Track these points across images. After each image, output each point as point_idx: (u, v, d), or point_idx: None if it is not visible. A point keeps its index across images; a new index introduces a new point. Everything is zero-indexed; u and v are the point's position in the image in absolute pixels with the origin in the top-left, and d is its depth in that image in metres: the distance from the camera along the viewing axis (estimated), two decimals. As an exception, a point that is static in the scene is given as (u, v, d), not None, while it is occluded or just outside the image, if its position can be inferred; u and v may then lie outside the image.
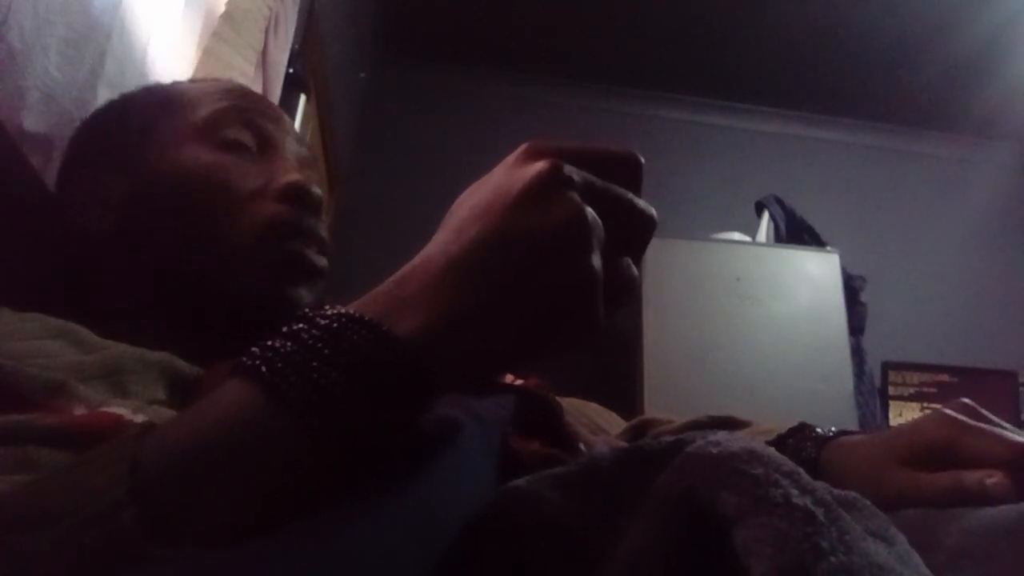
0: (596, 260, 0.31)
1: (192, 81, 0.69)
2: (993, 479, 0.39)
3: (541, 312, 0.31)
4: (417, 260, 0.33)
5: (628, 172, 0.35)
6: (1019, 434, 0.43)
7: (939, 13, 2.78)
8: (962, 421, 0.44)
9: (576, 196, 0.31)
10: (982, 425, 0.44)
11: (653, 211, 0.35)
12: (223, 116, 0.59)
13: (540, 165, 0.32)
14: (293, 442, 0.28)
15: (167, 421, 0.31)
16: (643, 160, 0.35)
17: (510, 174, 0.33)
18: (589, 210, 0.31)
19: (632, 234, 0.34)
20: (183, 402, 0.44)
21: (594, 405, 0.75)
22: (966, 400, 0.47)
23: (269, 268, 0.55)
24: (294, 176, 0.58)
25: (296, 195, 0.57)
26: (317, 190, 0.59)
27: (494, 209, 0.32)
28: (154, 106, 0.61)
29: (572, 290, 0.31)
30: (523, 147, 0.34)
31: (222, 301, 0.55)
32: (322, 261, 0.59)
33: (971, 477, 0.41)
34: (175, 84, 0.67)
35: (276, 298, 0.55)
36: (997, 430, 0.43)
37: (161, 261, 0.56)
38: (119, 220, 0.57)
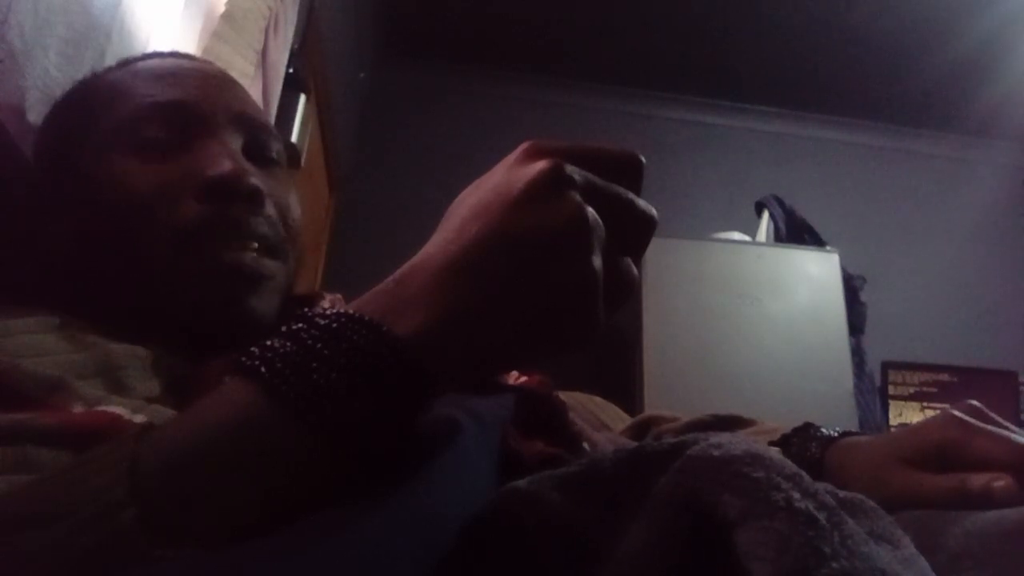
0: (596, 260, 0.31)
1: (130, 61, 0.61)
2: (1000, 482, 0.39)
3: (541, 312, 0.31)
4: (417, 259, 0.33)
5: (629, 172, 0.35)
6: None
7: (939, 13, 2.78)
8: (969, 423, 0.44)
9: (577, 196, 0.31)
10: (989, 427, 0.44)
11: (653, 211, 0.35)
12: (137, 113, 0.52)
13: (541, 164, 0.32)
14: (293, 443, 0.28)
15: (166, 421, 0.31)
16: (644, 160, 0.35)
17: (511, 173, 0.33)
18: (590, 210, 0.31)
19: (632, 234, 0.34)
20: (178, 398, 0.44)
21: (597, 399, 0.75)
22: (973, 402, 0.47)
23: (200, 280, 0.50)
24: (219, 168, 0.50)
25: (217, 189, 0.50)
26: (252, 180, 0.51)
27: (494, 208, 0.31)
28: (85, 109, 0.56)
29: (572, 290, 0.31)
30: (523, 146, 0.34)
31: (177, 318, 0.50)
32: (267, 266, 0.52)
33: (977, 480, 0.40)
34: (108, 74, 0.59)
35: (222, 311, 0.50)
36: (1004, 432, 0.43)
37: (115, 278, 0.52)
38: (72, 236, 0.54)
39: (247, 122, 0.56)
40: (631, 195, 0.34)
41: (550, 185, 0.31)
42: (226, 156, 0.52)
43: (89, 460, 0.27)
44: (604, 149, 0.34)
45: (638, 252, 0.35)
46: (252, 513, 0.27)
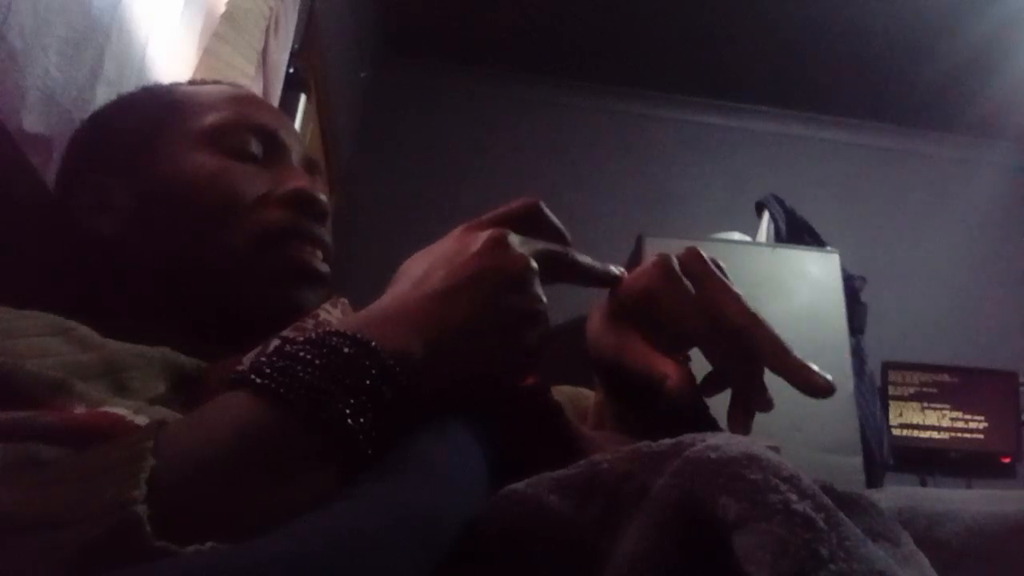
0: (540, 291, 0.39)
1: (194, 83, 0.69)
2: (670, 382, 0.42)
3: (508, 329, 0.37)
4: (378, 304, 0.38)
5: (534, 215, 0.44)
6: (730, 290, 0.44)
7: (939, 13, 2.79)
8: (673, 273, 0.45)
9: (520, 250, 0.39)
10: (685, 283, 0.44)
11: (585, 259, 0.45)
12: (230, 123, 0.59)
13: (489, 232, 0.39)
14: (292, 444, 0.29)
15: (172, 427, 0.32)
16: (541, 203, 0.44)
17: (460, 241, 0.40)
18: (531, 259, 0.39)
19: (565, 274, 0.44)
20: (187, 396, 0.45)
21: (585, 391, 0.74)
22: (694, 247, 0.46)
23: (271, 273, 0.56)
24: (300, 183, 0.58)
25: (301, 201, 0.58)
26: (323, 197, 0.59)
27: (457, 261, 0.38)
28: (159, 109, 0.61)
29: (528, 312, 0.38)
30: (462, 227, 0.42)
31: (225, 304, 0.55)
32: (325, 267, 0.59)
33: (657, 372, 0.43)
34: (179, 87, 0.66)
35: (280, 302, 0.55)
36: (698, 293, 0.44)
37: (167, 263, 0.56)
38: (125, 223, 0.57)
39: (312, 166, 0.65)
40: (559, 246, 0.43)
41: (499, 245, 0.39)
42: (304, 178, 0.60)
43: (98, 460, 0.28)
44: (513, 208, 0.43)
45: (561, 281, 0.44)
46: (253, 512, 0.28)
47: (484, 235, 0.39)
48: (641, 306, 0.46)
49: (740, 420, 0.46)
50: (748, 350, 0.44)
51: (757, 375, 0.45)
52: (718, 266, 0.46)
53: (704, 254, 0.46)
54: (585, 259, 0.46)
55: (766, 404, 0.45)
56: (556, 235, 0.44)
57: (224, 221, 0.55)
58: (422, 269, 0.39)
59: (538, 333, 0.39)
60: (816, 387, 0.41)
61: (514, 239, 0.40)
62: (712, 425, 0.46)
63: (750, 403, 0.46)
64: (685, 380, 0.43)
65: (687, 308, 0.44)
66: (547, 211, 0.44)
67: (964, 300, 3.21)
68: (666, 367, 0.44)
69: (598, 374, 0.51)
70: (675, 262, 0.46)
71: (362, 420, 0.30)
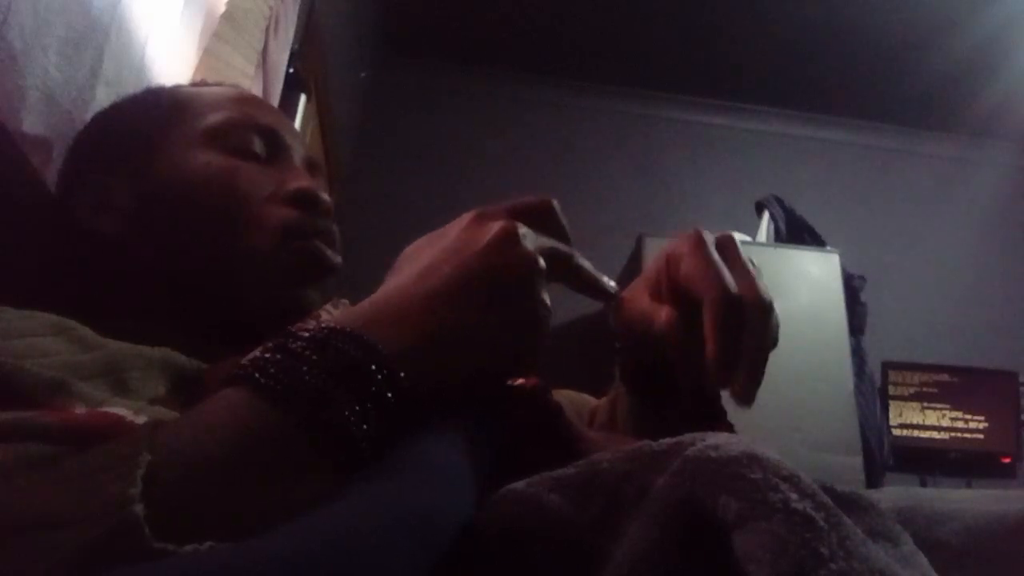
0: (546, 295, 0.38)
1: (197, 85, 0.69)
2: (661, 318, 0.44)
3: (511, 333, 0.37)
4: (387, 293, 0.37)
5: (545, 214, 0.43)
6: (751, 274, 0.43)
7: (939, 13, 2.79)
8: (700, 246, 0.44)
9: (530, 247, 0.38)
10: (707, 257, 0.43)
11: (586, 264, 0.44)
12: (234, 122, 0.59)
13: (499, 224, 0.38)
14: (291, 444, 0.29)
15: (170, 424, 0.32)
16: (554, 202, 0.44)
17: (470, 232, 0.39)
18: (540, 258, 0.38)
19: (571, 278, 0.44)
20: (187, 397, 0.45)
21: (586, 396, 0.74)
22: (731, 232, 0.46)
23: (283, 271, 0.56)
24: (304, 182, 0.59)
25: (306, 200, 0.58)
26: (326, 196, 0.60)
27: (464, 254, 0.37)
28: (162, 109, 0.61)
29: (532, 319, 0.38)
30: (471, 214, 0.40)
31: (228, 304, 0.55)
32: (337, 258, 0.60)
33: (657, 317, 0.45)
34: (181, 88, 0.66)
35: (287, 301, 0.56)
36: (718, 268, 0.43)
37: (170, 264, 0.56)
38: (127, 223, 0.57)
39: (313, 166, 0.66)
40: (566, 247, 0.43)
41: (510, 240, 0.38)
42: (307, 178, 0.61)
43: (98, 460, 0.28)
44: (527, 202, 0.42)
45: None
46: (254, 512, 0.28)
47: (495, 227, 0.38)
48: (663, 270, 0.47)
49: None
50: (739, 324, 0.41)
51: (743, 348, 0.41)
52: (751, 261, 0.46)
53: (739, 244, 0.46)
54: (588, 266, 0.46)
55: (739, 389, 0.41)
56: (563, 239, 0.44)
57: (231, 219, 0.55)
58: (428, 258, 0.38)
59: (538, 336, 0.39)
60: (740, 397, 0.40)
61: (524, 234, 0.38)
62: (714, 404, 0.46)
63: (730, 380, 0.42)
64: (675, 325, 0.43)
65: (704, 269, 0.43)
66: (559, 212, 0.44)
67: (964, 300, 3.21)
68: (658, 312, 0.44)
69: (619, 355, 0.51)
70: (710, 237, 0.46)
71: (365, 426, 0.30)
